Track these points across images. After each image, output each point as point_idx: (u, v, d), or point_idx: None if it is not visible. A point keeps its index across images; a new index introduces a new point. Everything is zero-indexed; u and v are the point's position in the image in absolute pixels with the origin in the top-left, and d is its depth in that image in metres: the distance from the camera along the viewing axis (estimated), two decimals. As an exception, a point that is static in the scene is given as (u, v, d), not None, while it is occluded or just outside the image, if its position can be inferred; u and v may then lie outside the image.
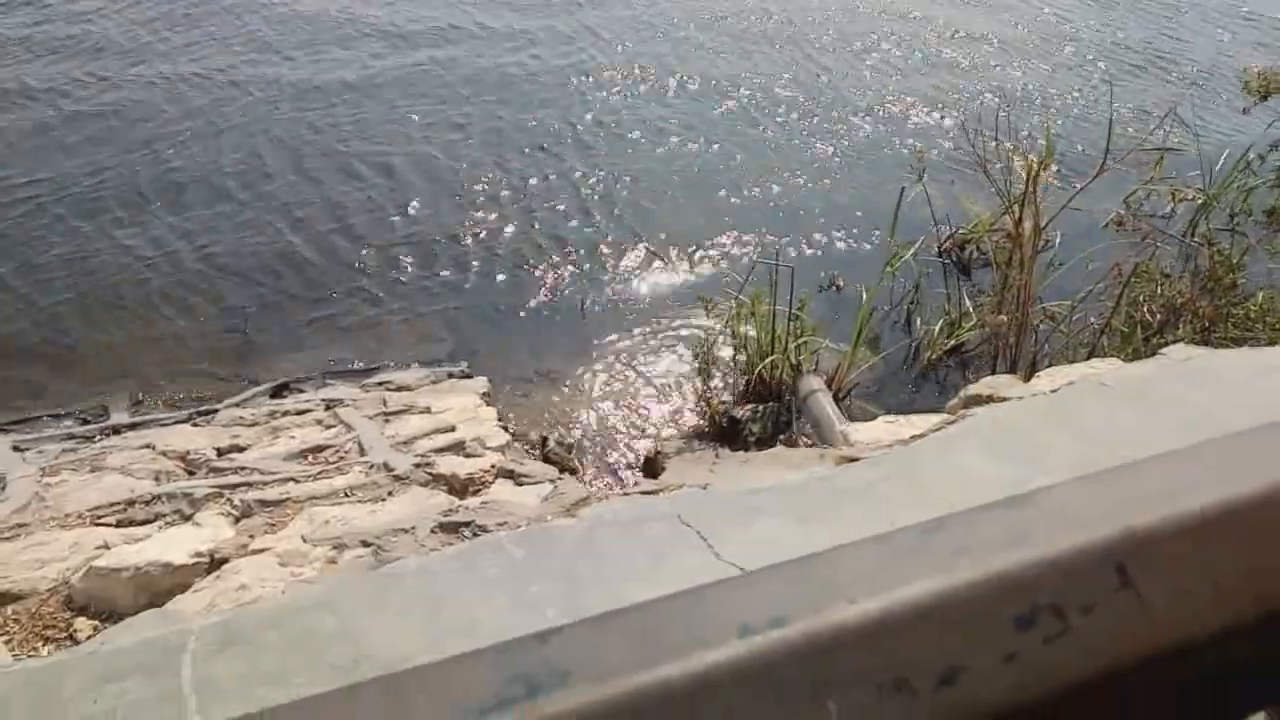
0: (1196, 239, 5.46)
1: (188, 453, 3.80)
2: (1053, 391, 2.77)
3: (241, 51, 7.87)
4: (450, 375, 4.78)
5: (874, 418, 4.80)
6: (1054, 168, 5.55)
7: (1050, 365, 4.65)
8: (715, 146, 7.04)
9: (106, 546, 2.68)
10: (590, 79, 7.83)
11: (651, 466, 4.39)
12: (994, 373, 4.86)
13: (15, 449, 4.04)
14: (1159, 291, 4.82)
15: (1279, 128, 6.34)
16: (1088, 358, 4.48)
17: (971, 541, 0.59)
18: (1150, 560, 0.58)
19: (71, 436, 4.27)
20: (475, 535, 2.31)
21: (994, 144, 4.93)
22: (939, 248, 5.85)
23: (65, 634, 2.46)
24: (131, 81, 7.29)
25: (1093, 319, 5.07)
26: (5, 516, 3.11)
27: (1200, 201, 5.73)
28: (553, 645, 0.53)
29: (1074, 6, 10.05)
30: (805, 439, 4.51)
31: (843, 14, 9.55)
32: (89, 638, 2.39)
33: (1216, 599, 0.59)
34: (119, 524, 2.85)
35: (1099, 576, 0.57)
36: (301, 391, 4.77)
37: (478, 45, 8.30)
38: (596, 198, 6.38)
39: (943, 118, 7.55)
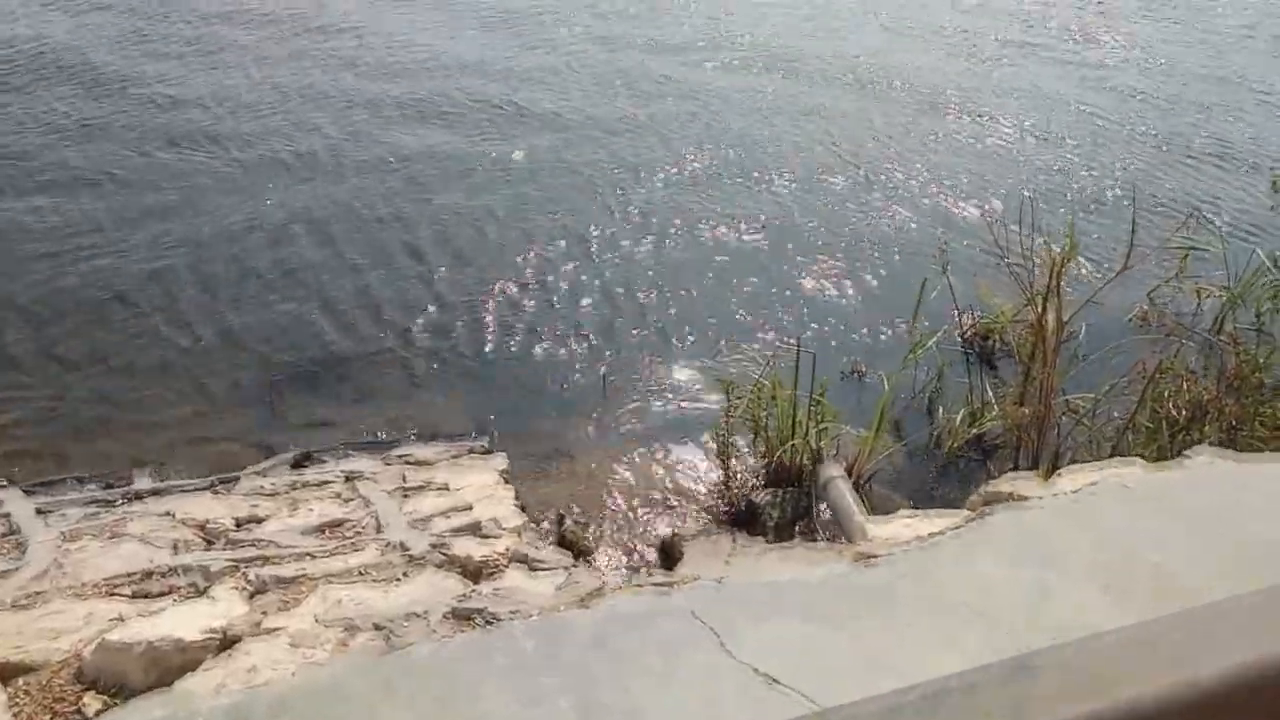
0: (1222, 337, 5.44)
1: (207, 522, 3.83)
2: (1074, 493, 2.75)
3: (272, 125, 8.11)
4: (470, 451, 4.80)
5: (895, 507, 4.76)
6: (1079, 260, 5.59)
7: (1073, 460, 4.61)
8: (738, 233, 7.14)
9: (121, 619, 2.69)
10: (618, 167, 7.99)
11: (669, 552, 4.35)
12: (1016, 465, 4.82)
13: (39, 512, 4.07)
14: (1184, 389, 4.78)
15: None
16: (1111, 454, 4.43)
17: (971, 714, 0.59)
18: (1154, 733, 0.58)
19: (95, 501, 4.31)
20: (487, 623, 2.30)
21: (1018, 237, 4.96)
22: (962, 337, 5.85)
23: (74, 709, 2.45)
24: (157, 153, 7.52)
25: (1117, 414, 5.03)
26: (24, 583, 3.13)
27: (1226, 299, 5.73)
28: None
29: (1101, 98, 10.20)
30: (824, 527, 4.48)
31: (867, 101, 9.74)
32: (98, 713, 2.39)
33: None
34: (134, 595, 2.86)
35: (1098, 752, 0.57)
36: (323, 463, 4.80)
37: (512, 127, 8.53)
38: (619, 281, 6.46)
39: (967, 208, 7.63)
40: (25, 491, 4.33)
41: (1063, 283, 4.79)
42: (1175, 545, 2.35)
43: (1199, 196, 7.81)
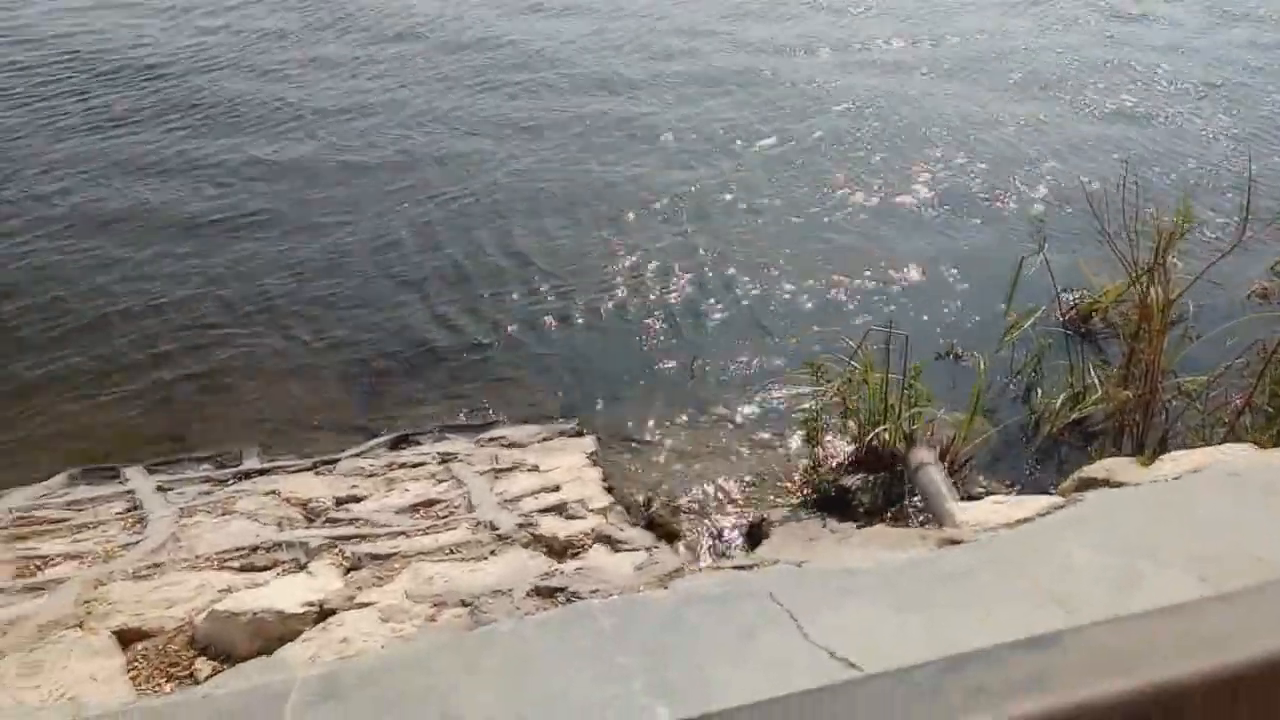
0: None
1: (309, 501, 4.01)
2: (1175, 479, 2.64)
3: (383, 124, 8.35)
4: (561, 433, 4.89)
5: (990, 492, 4.64)
6: (1191, 234, 5.31)
7: (1182, 446, 4.40)
8: (829, 214, 7.03)
9: (230, 590, 2.86)
10: (711, 149, 7.95)
11: (756, 534, 4.35)
12: (1119, 450, 4.63)
13: (159, 489, 4.34)
14: (1307, 370, 4.51)
15: None
16: (1224, 439, 4.22)
17: (990, 683, 0.59)
18: (1176, 716, 0.57)
19: (209, 479, 4.56)
20: (569, 601, 2.35)
21: (1121, 212, 4.74)
22: (1062, 318, 5.65)
23: (187, 672, 2.62)
24: (270, 155, 7.83)
25: (1235, 396, 4.77)
26: (144, 555, 3.35)
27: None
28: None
29: (1204, 68, 9.63)
30: (915, 513, 4.40)
31: (960, 84, 9.44)
32: (208, 677, 2.54)
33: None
34: (242, 569, 3.03)
35: (1118, 730, 0.56)
36: (419, 444, 4.96)
37: (607, 99, 8.57)
38: (709, 265, 6.45)
39: (1067, 182, 7.32)
40: (148, 470, 4.61)
41: (1172, 258, 4.58)
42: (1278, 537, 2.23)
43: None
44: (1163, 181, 7.27)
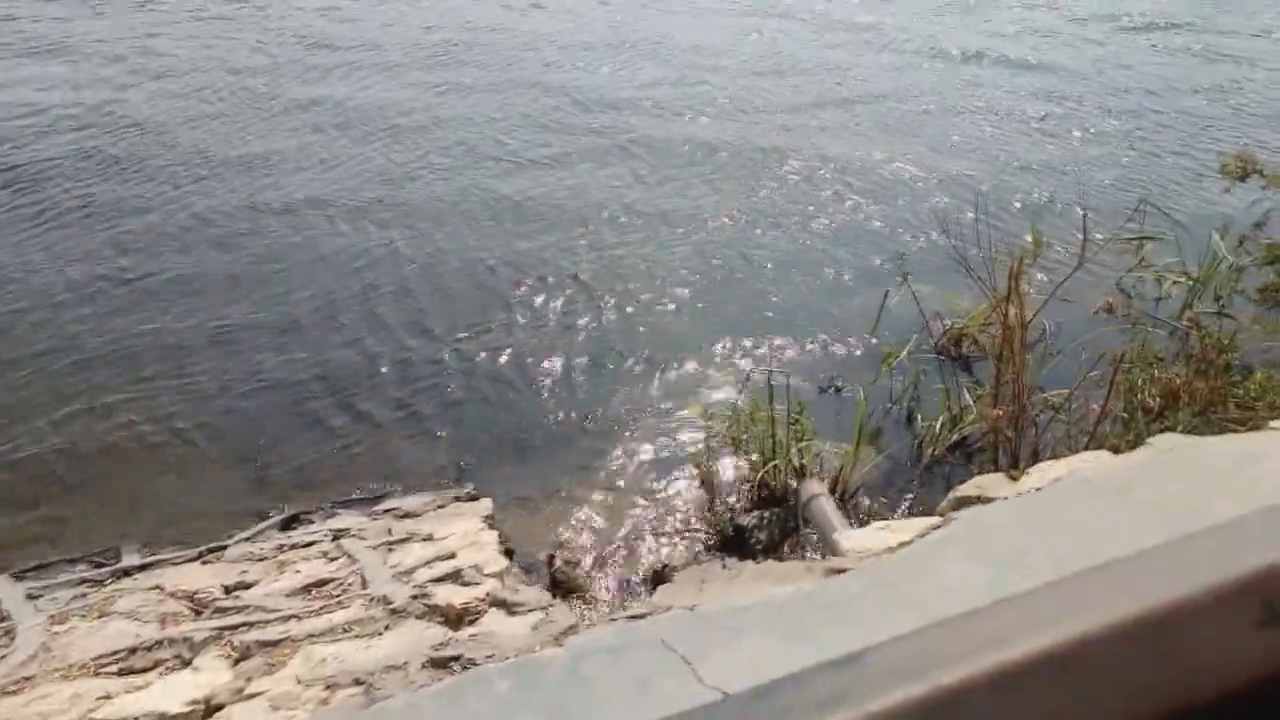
0: (1185, 322, 5.51)
1: (196, 592, 3.84)
2: (1038, 490, 2.79)
3: (254, 174, 8.20)
4: (456, 499, 4.82)
5: (879, 518, 4.80)
6: (1042, 255, 5.67)
7: (1052, 455, 4.65)
8: (708, 260, 7.21)
9: (108, 697, 2.71)
10: (584, 208, 8.06)
11: (658, 581, 4.37)
12: (996, 466, 4.86)
13: (29, 596, 4.08)
14: (1155, 376, 4.84)
15: (1260, 206, 6.45)
16: (1086, 446, 4.48)
17: (795, 704, 0.63)
18: (956, 713, 0.62)
19: (84, 580, 4.32)
20: (465, 668, 2.32)
21: (976, 242, 5.04)
22: (935, 344, 5.91)
23: (64, 790, 2.47)
24: (144, 210, 7.60)
25: (1094, 405, 5.08)
26: (12, 669, 3.14)
27: (1190, 285, 5.80)
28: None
29: (1046, 103, 10.35)
30: (810, 544, 4.51)
31: (810, 119, 9.88)
32: (87, 793, 2.40)
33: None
34: (121, 673, 2.88)
35: (908, 734, 0.61)
36: (311, 523, 4.82)
37: (496, 170, 8.61)
38: (595, 315, 6.52)
39: (925, 215, 7.70)
40: (15, 577, 4.34)
41: (1025, 282, 4.87)
42: (1132, 535, 2.38)
43: (1147, 185, 7.90)
44: (1012, 209, 7.72)
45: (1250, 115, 9.63)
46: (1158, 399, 4.73)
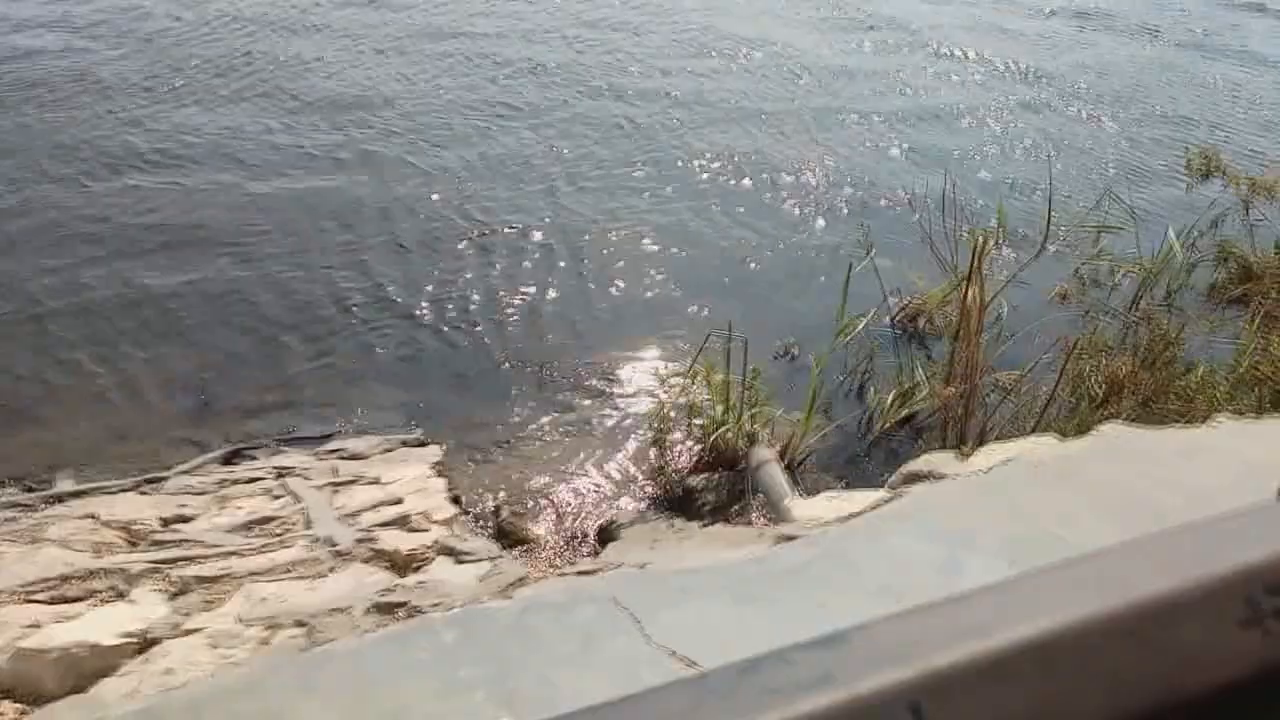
0: (1138, 313, 5.62)
1: (132, 523, 3.75)
2: (987, 470, 2.83)
3: (239, 110, 7.93)
4: (404, 444, 4.77)
5: (827, 487, 4.85)
6: (1004, 240, 5.72)
7: (999, 436, 4.73)
8: (672, 223, 7.16)
9: (37, 625, 2.64)
10: (552, 160, 7.95)
11: (605, 537, 4.38)
12: (944, 443, 4.93)
13: (-46, 518, 3.96)
14: (1103, 364, 4.93)
15: (1220, 206, 6.58)
16: (1033, 430, 4.56)
17: (781, 682, 0.61)
18: (945, 698, 0.61)
19: (14, 505, 4.20)
20: (410, 616, 2.30)
21: (942, 220, 5.07)
22: (891, 319, 5.96)
23: (-12, 717, 2.40)
24: (111, 129, 7.32)
25: (1043, 389, 5.17)
26: (-64, 592, 3.04)
27: (1141, 277, 5.91)
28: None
29: (1022, 88, 10.41)
30: (757, 509, 4.54)
31: (791, 83, 9.82)
32: (11, 721, 2.34)
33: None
34: (51, 601, 2.80)
35: (895, 717, 0.60)
36: (254, 459, 4.73)
37: (465, 125, 8.43)
38: (557, 269, 6.46)
39: (892, 193, 7.73)
40: (-59, 499, 4.21)
41: (988, 264, 4.91)
42: (1078, 518, 2.43)
43: (1117, 177, 8.01)
44: (978, 191, 7.78)
45: (1234, 116, 9.80)
46: (1103, 387, 4.83)
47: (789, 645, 0.64)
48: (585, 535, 4.50)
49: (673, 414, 5.11)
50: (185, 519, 3.84)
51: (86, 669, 2.35)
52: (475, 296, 6.08)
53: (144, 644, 2.45)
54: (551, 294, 6.20)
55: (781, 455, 4.81)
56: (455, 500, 4.03)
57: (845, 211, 7.43)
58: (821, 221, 7.28)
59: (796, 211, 7.41)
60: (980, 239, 4.80)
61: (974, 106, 9.62)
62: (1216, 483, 2.52)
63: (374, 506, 3.53)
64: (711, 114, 8.95)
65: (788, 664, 0.62)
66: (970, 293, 4.78)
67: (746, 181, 7.80)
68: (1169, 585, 0.67)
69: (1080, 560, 0.80)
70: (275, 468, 4.40)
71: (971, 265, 4.68)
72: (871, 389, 5.49)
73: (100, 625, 2.51)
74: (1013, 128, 9.21)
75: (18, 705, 2.43)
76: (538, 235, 6.79)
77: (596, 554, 4.07)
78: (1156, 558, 0.74)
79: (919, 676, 0.59)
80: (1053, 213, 4.97)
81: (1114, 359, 4.86)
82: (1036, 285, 5.87)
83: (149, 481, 4.41)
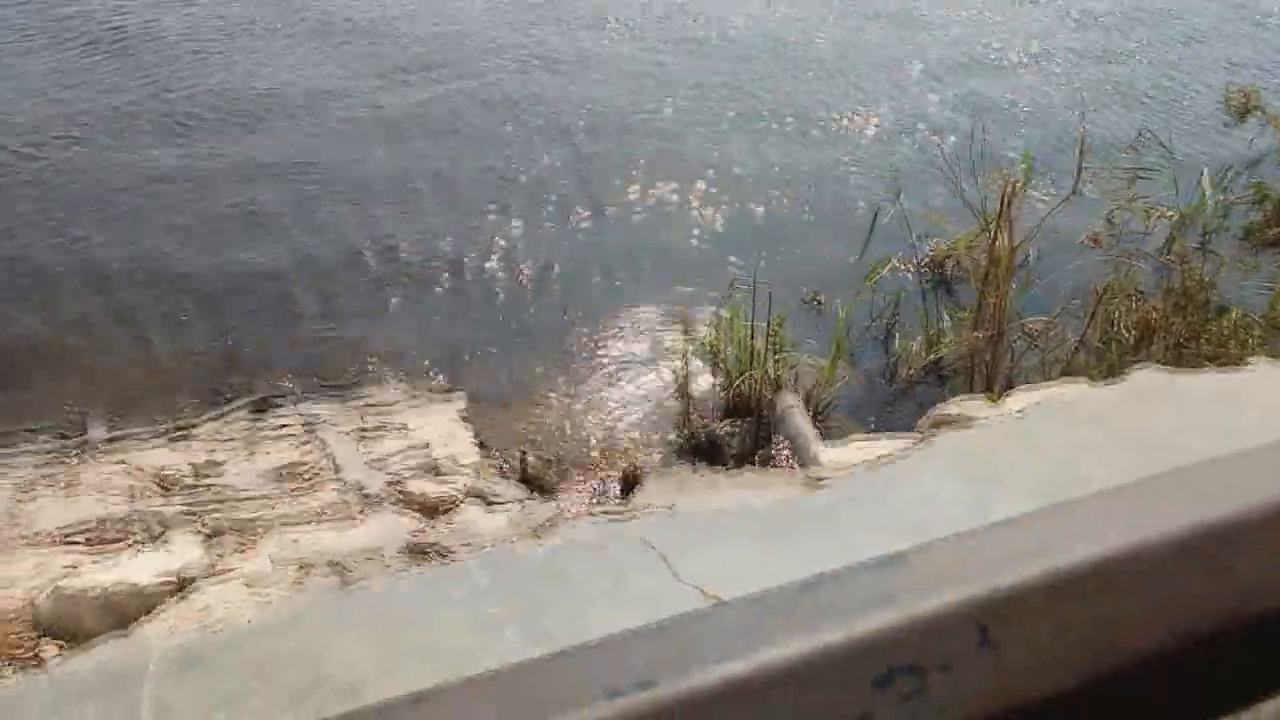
0: (1171, 257, 5.51)
1: (164, 470, 3.81)
2: (1018, 413, 2.81)
3: (263, 72, 7.88)
4: (430, 391, 4.79)
5: (852, 433, 4.84)
6: (1032, 185, 5.61)
7: (1026, 382, 4.69)
8: (694, 167, 7.07)
9: (75, 568, 2.69)
10: (583, 113, 7.82)
11: (629, 483, 4.40)
12: (971, 389, 4.89)
13: (-8, 465, 4.03)
14: (1134, 309, 4.86)
15: (1259, 146, 6.41)
16: (1062, 375, 4.51)
17: (840, 601, 0.60)
18: (1010, 618, 0.60)
19: (49, 452, 4.27)
20: (442, 557, 2.33)
21: (971, 165, 4.98)
22: (918, 264, 5.88)
23: (32, 655, 2.46)
24: (140, 97, 7.30)
25: (1071, 335, 5.10)
26: (-24, 535, 3.11)
27: (1175, 220, 5.79)
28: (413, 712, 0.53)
29: (1053, 23, 10.12)
30: (782, 456, 4.54)
31: (817, 32, 9.61)
32: (55, 660, 2.40)
33: (1073, 655, 0.60)
34: (89, 544, 2.86)
35: (959, 636, 0.59)
36: (281, 407, 4.77)
37: (488, 75, 8.32)
38: (579, 219, 6.41)
39: (920, 136, 7.59)
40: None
41: (1017, 208, 4.82)
42: (1111, 460, 2.41)
43: (1151, 116, 7.80)
44: (1008, 136, 7.62)
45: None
46: (1134, 332, 4.76)
47: (846, 567, 0.63)
48: (611, 481, 4.52)
49: (697, 361, 5.10)
50: (215, 466, 3.89)
51: (126, 609, 2.40)
52: (493, 249, 6.05)
53: (181, 585, 2.49)
54: (574, 244, 6.16)
55: (806, 402, 4.79)
56: (482, 446, 4.06)
57: (874, 157, 7.30)
58: (851, 167, 7.16)
59: (825, 157, 7.29)
60: (1010, 183, 4.71)
61: (1010, 49, 9.37)
62: (1253, 423, 2.49)
63: (402, 453, 3.56)
64: (738, 54, 8.77)
65: (844, 585, 0.61)
66: (1000, 238, 4.71)
67: (774, 126, 7.67)
68: (1234, 509, 0.65)
69: (1144, 482, 0.78)
70: (303, 416, 4.44)
71: (1001, 209, 4.60)
72: (897, 335, 5.44)
73: (139, 567, 2.56)
74: (1054, 73, 8.97)
75: (58, 643, 2.49)
76: (559, 184, 6.73)
77: (623, 499, 4.10)
78: (1222, 482, 0.72)
79: (982, 596, 0.58)
80: (1089, 155, 4.86)
81: (1145, 303, 4.79)
82: (1067, 230, 5.77)
83: (179, 430, 4.47)
